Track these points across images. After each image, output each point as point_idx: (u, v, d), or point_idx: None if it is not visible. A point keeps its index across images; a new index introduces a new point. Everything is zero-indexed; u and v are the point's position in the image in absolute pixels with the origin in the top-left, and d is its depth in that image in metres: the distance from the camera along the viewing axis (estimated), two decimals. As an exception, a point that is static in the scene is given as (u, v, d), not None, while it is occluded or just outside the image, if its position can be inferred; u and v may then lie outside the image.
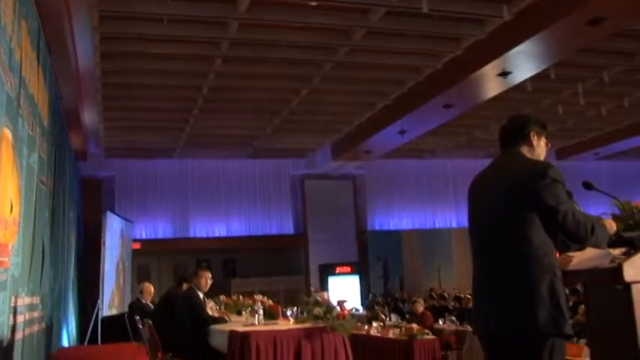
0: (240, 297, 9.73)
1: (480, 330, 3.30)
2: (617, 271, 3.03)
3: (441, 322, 11.74)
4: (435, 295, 16.52)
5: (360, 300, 19.08)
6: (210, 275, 7.65)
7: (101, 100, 13.01)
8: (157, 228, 18.87)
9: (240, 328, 5.84)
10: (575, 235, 3.09)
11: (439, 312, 13.01)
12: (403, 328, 10.09)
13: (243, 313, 8.23)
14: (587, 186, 3.49)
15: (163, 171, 18.79)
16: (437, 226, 20.92)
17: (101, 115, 13.95)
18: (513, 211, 3.11)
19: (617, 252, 3.22)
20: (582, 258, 3.30)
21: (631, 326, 3.05)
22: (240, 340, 5.52)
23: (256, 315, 6.41)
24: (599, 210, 3.66)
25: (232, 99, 13.54)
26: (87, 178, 17.65)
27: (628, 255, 3.13)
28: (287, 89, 13.11)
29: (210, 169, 19.09)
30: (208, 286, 7.59)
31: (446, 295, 16.94)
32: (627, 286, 3.04)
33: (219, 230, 19.24)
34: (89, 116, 13.20)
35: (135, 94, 12.88)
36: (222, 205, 19.25)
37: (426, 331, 10.01)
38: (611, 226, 3.29)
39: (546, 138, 3.41)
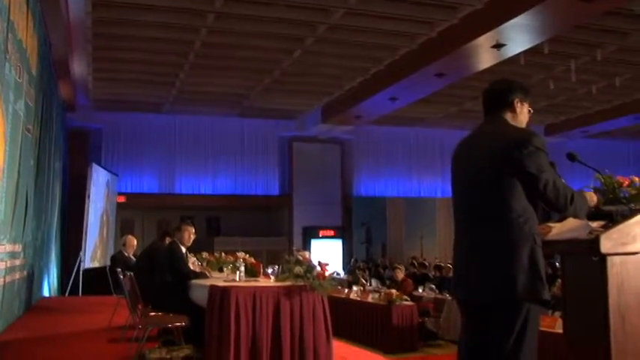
0: (223, 254, 9.78)
1: (459, 294, 3.34)
2: (595, 242, 3.07)
3: (420, 290, 11.87)
4: (415, 263, 16.66)
5: (342, 264, 19.24)
6: (193, 230, 7.65)
7: (91, 51, 12.86)
8: (142, 182, 18.85)
9: (221, 284, 5.88)
10: (555, 203, 3.13)
11: (419, 280, 13.14)
12: (382, 293, 10.22)
13: (225, 269, 8.26)
14: (571, 157, 3.51)
15: (151, 125, 18.69)
16: (422, 194, 21.02)
17: (91, 66, 13.82)
18: (496, 177, 3.13)
19: (596, 224, 3.25)
20: (561, 229, 3.33)
21: (603, 298, 3.10)
22: (220, 294, 5.56)
23: (237, 272, 6.44)
24: (583, 184, 3.69)
25: (224, 56, 13.43)
26: (74, 129, 17.55)
27: (606, 228, 3.17)
28: (280, 49, 13.01)
29: (198, 125, 19.01)
30: (191, 240, 7.60)
31: (426, 263, 17.07)
32: (603, 258, 3.08)
33: (204, 188, 19.26)
34: (78, 66, 13.08)
35: (126, 45, 12.73)
36: (209, 162, 19.23)
37: (405, 297, 10.13)
38: (591, 197, 3.33)
39: (529, 104, 3.40)
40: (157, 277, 7.49)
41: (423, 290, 11.83)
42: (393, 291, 10.19)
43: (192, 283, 6.98)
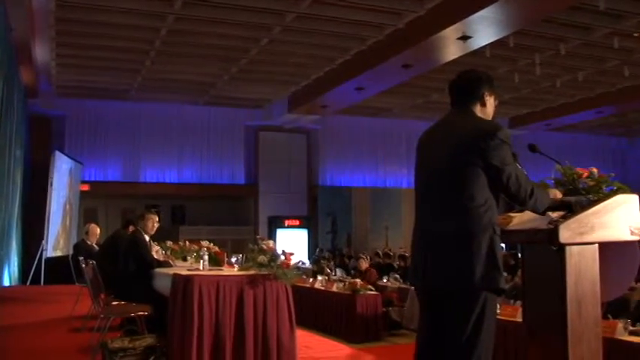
0: (187, 243, 9.72)
1: (417, 281, 3.36)
2: (554, 232, 3.12)
3: (384, 280, 11.94)
4: (380, 253, 16.76)
5: (307, 254, 19.26)
6: (157, 219, 7.59)
7: (54, 36, 12.62)
8: (106, 171, 18.63)
9: (184, 272, 5.84)
10: (516, 196, 3.17)
11: (384, 270, 13.22)
12: (347, 283, 10.25)
13: (189, 258, 8.22)
14: (532, 149, 3.55)
15: (116, 113, 18.45)
16: (388, 185, 21.14)
17: (54, 51, 13.57)
18: (459, 167, 3.15)
19: (555, 215, 3.30)
20: (522, 219, 3.38)
21: (562, 287, 3.15)
22: (183, 283, 5.52)
23: (201, 261, 6.40)
24: (544, 175, 3.74)
25: (191, 44, 13.29)
26: (36, 115, 17.25)
27: (565, 218, 3.22)
28: (247, 38, 12.93)
29: (164, 113, 18.82)
30: (155, 229, 7.53)
31: (391, 253, 17.18)
32: (562, 248, 3.14)
33: (170, 176, 19.11)
34: (41, 51, 12.85)
35: (90, 31, 12.50)
36: (174, 151, 19.06)
37: (369, 286, 10.18)
38: (555, 194, 3.38)
39: (496, 96, 3.42)
40: (119, 266, 7.41)
41: (388, 280, 11.91)
42: (358, 280, 10.23)
43: (155, 272, 6.92)
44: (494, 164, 3.10)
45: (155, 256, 7.58)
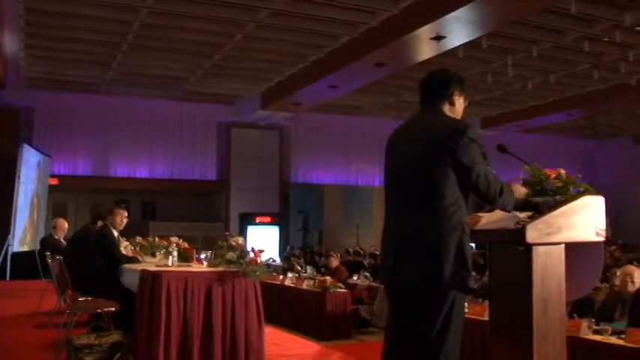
0: (156, 239, 9.64)
1: (386, 280, 3.37)
2: (521, 232, 3.15)
3: (355, 278, 11.96)
4: (350, 251, 16.80)
5: (278, 251, 19.22)
6: (126, 214, 7.53)
7: (24, 26, 12.41)
8: (76, 165, 18.39)
9: (153, 268, 5.80)
10: (485, 195, 3.19)
11: (354, 268, 13.24)
12: (317, 280, 10.26)
13: (158, 254, 8.15)
14: (501, 149, 3.58)
15: (87, 106, 18.19)
16: (359, 183, 21.18)
17: (23, 42, 13.35)
18: (429, 166, 3.15)
19: (523, 215, 3.33)
20: (490, 219, 3.39)
21: (528, 287, 3.19)
22: (151, 279, 5.47)
23: (170, 257, 6.36)
24: (513, 175, 3.77)
25: (164, 38, 13.17)
26: (4, 107, 16.98)
27: (532, 218, 3.25)
28: (220, 33, 12.84)
29: (135, 108, 18.60)
30: (123, 224, 7.47)
31: (361, 251, 17.25)
32: (529, 248, 3.17)
33: (140, 171, 18.92)
34: (9, 42, 12.65)
35: (61, 23, 12.30)
36: (145, 146, 18.88)
37: (340, 284, 10.19)
38: (518, 189, 3.40)
39: (466, 96, 3.44)
40: (87, 261, 7.34)
41: (358, 278, 11.93)
42: (328, 278, 10.24)
43: (123, 267, 6.86)
44: (463, 163, 3.11)
45: (124, 252, 7.52)
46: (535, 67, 14.69)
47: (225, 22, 12.16)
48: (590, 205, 3.34)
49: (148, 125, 18.85)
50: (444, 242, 3.08)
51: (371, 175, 20.93)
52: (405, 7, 11.07)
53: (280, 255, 18.51)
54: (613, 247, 16.14)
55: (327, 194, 21.34)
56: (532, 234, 3.15)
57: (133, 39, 13.11)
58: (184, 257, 6.75)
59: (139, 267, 6.24)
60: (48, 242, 10.49)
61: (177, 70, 15.79)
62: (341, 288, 10.06)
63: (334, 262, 12.06)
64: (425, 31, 11.10)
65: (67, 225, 10.85)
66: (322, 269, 13.14)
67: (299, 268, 12.86)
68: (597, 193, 3.44)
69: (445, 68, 3.59)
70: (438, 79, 3.41)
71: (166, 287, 5.34)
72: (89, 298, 6.67)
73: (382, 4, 11.16)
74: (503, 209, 3.29)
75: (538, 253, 3.19)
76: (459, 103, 3.39)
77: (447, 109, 3.36)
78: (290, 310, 10.38)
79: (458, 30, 11.06)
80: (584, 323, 5.39)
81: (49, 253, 7.75)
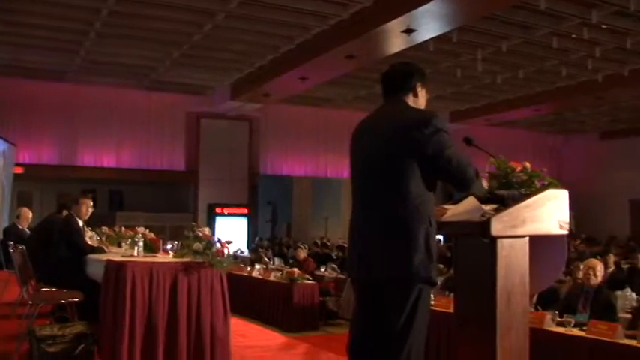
0: (123, 229, 9.53)
1: (353, 272, 3.37)
2: (486, 225, 3.16)
3: (322, 269, 11.98)
4: (318, 243, 16.82)
5: (246, 242, 19.18)
6: (91, 203, 7.42)
7: (-13, 12, 12.17)
8: (42, 153, 18.10)
9: (118, 258, 5.73)
10: (462, 178, 3.16)
11: (322, 259, 13.27)
12: (284, 272, 10.26)
13: (124, 244, 8.05)
14: (467, 141, 3.59)
15: (53, 94, 17.88)
16: (329, 175, 21.18)
17: (-14, 28, 13.08)
18: (395, 158, 3.14)
19: (488, 208, 3.35)
20: (456, 211, 3.41)
21: (492, 279, 3.21)
22: (115, 270, 5.41)
23: (136, 247, 6.29)
24: (480, 169, 3.79)
25: (132, 26, 12.99)
26: (-34, 93, 16.61)
27: (498, 211, 3.27)
28: (191, 22, 12.72)
29: (103, 96, 18.33)
30: (89, 214, 7.37)
31: (329, 243, 17.28)
32: (493, 240, 3.19)
33: (108, 161, 18.70)
34: (-27, 27, 12.36)
35: (25, 8, 12.05)
36: (113, 135, 18.65)
37: (307, 276, 10.21)
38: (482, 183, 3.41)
39: (427, 88, 3.45)
40: (51, 251, 7.23)
41: (325, 270, 11.95)
42: (295, 270, 10.24)
43: (88, 257, 6.78)
44: (430, 152, 3.09)
45: (89, 242, 7.42)
46: (504, 62, 14.81)
47: (195, 12, 12.04)
48: (554, 198, 3.37)
49: (116, 114, 18.62)
50: (410, 234, 3.08)
51: (340, 167, 20.93)
52: (376, -1, 11.08)
53: (248, 246, 18.48)
54: (577, 241, 16.40)
55: (296, 186, 21.33)
56: (497, 226, 3.17)
57: (101, 26, 12.91)
58: (150, 248, 6.68)
59: (104, 257, 6.17)
60: (11, 232, 10.32)
61: (146, 59, 15.61)
62: (308, 279, 10.08)
63: (302, 254, 12.07)
64: (395, 25, 11.11)
65: (31, 215, 10.69)
66: (290, 261, 13.14)
67: (267, 259, 12.85)
68: (561, 186, 3.48)
69: (406, 61, 3.61)
70: (400, 71, 3.42)
71: (131, 277, 5.28)
72: (53, 289, 6.56)
73: (354, -4, 11.15)
74: (476, 195, 3.29)
75: (502, 245, 3.21)
76: (422, 94, 3.40)
77: (410, 100, 3.36)
78: (257, 301, 10.37)
79: (428, 24, 11.10)
80: (548, 315, 5.46)
81: (12, 243, 7.61)
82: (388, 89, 3.42)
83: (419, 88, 3.38)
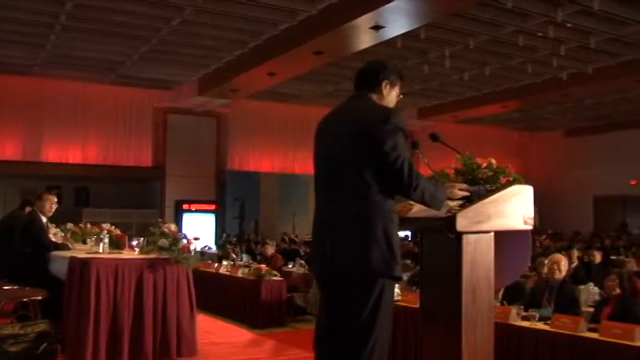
0: (88, 225, 9.41)
1: (316, 268, 3.37)
2: (451, 220, 3.18)
3: (290, 266, 11.97)
4: (286, 239, 16.79)
5: (214, 239, 19.07)
6: (55, 199, 7.32)
7: (-52, 3, 11.89)
8: (5, 149, 17.76)
9: (82, 255, 5.66)
10: (401, 184, 3.11)
11: (290, 256, 13.24)
12: (252, 268, 10.22)
13: (89, 241, 7.96)
14: (434, 137, 3.60)
15: (17, 88, 17.54)
16: (296, 171, 21.16)
17: (-54, 20, 12.78)
18: (355, 153, 3.15)
19: (454, 203, 3.36)
20: (421, 207, 3.42)
21: (458, 274, 3.23)
22: (80, 267, 5.34)
23: (101, 244, 6.21)
24: (446, 165, 3.80)
25: (98, 20, 12.78)
26: None
27: (463, 207, 3.29)
28: (158, 17, 12.56)
29: (69, 91, 18.05)
30: (53, 210, 7.27)
31: (296, 239, 17.26)
32: (459, 236, 3.21)
33: (73, 156, 18.42)
34: None
35: (-10, 1, 11.85)
36: (79, 130, 18.36)
37: (275, 272, 10.18)
38: (452, 189, 3.34)
39: (400, 89, 3.45)
40: (14, 248, 7.11)
41: (293, 266, 11.94)
42: (263, 266, 10.21)
43: (52, 254, 6.68)
44: (384, 149, 3.09)
45: (53, 239, 7.31)
46: (471, 59, 14.92)
47: (163, 6, 11.91)
48: (519, 194, 3.40)
49: (82, 109, 18.34)
50: (371, 230, 3.08)
51: (308, 164, 20.83)
52: (345, -5, 11.08)
53: (216, 243, 18.37)
54: (543, 237, 16.62)
55: (264, 182, 21.25)
56: (462, 222, 3.19)
57: (66, 20, 12.70)
58: (116, 244, 6.62)
59: (67, 254, 6.09)
60: (-27, 229, 10.11)
61: (112, 54, 15.40)
62: (276, 276, 10.05)
63: (270, 250, 12.04)
64: (364, 21, 11.12)
65: (-7, 211, 10.50)
66: (258, 257, 13.10)
67: (234, 255, 12.79)
68: (526, 182, 3.51)
69: (383, 60, 3.61)
70: (371, 69, 3.44)
71: (96, 274, 5.22)
72: (15, 287, 6.45)
73: (322, -8, 11.14)
74: (424, 204, 3.21)
75: (468, 241, 3.24)
76: (390, 93, 3.40)
77: (375, 97, 3.36)
78: (225, 298, 10.31)
79: (397, 20, 11.13)
80: (514, 310, 5.52)
81: (-27, 240, 7.47)
82: (357, 85, 3.45)
83: (386, 87, 3.38)
